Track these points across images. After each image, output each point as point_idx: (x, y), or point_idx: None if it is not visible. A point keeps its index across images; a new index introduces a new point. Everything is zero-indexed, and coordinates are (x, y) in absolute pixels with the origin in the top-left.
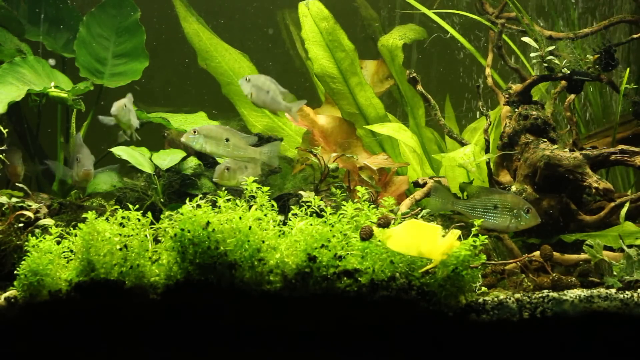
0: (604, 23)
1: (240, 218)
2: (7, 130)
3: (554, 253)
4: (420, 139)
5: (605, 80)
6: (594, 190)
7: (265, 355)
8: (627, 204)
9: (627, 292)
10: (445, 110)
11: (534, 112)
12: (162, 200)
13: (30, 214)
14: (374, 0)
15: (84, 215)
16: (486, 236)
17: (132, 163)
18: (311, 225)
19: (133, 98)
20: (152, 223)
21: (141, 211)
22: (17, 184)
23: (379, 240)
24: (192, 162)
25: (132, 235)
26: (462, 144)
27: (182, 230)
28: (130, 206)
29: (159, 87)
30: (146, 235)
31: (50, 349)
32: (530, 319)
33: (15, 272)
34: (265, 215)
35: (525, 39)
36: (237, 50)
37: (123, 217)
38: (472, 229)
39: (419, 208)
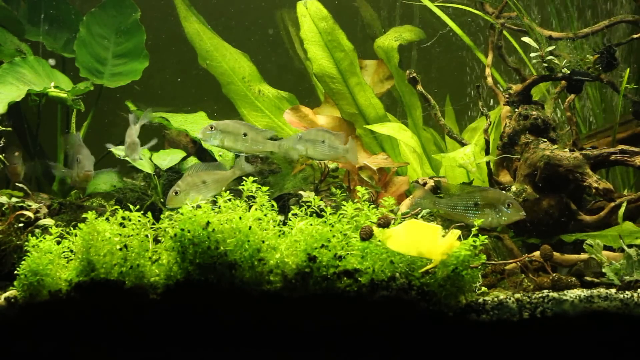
0: (604, 23)
1: (240, 218)
2: (9, 129)
3: (554, 253)
4: (420, 139)
5: (605, 80)
6: (594, 190)
7: (265, 355)
8: (624, 204)
9: (627, 292)
10: (445, 110)
11: (534, 112)
12: (162, 200)
13: (30, 214)
14: (374, 0)
15: (84, 215)
16: (486, 236)
17: (132, 163)
18: (311, 225)
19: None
20: (152, 223)
21: (141, 211)
22: (17, 184)
23: (379, 240)
24: (192, 162)
25: (132, 235)
26: (462, 144)
27: (182, 230)
28: (131, 206)
29: (159, 86)
30: (146, 235)
31: (50, 349)
32: (530, 319)
33: (15, 272)
34: (265, 215)
35: (525, 39)
36: (238, 50)
37: (123, 218)
38: (472, 229)
39: (419, 208)
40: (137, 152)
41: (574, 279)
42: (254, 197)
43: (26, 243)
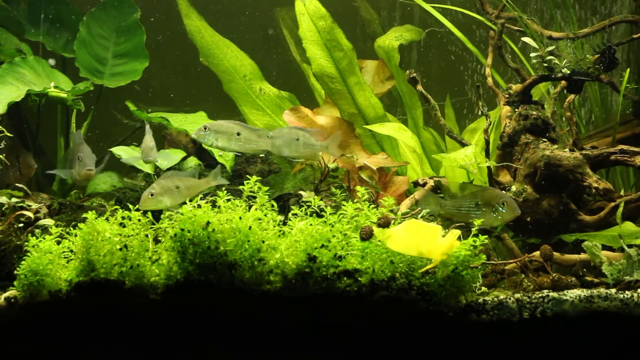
0: (604, 23)
1: (240, 218)
2: (10, 135)
3: (554, 253)
4: (420, 139)
5: (605, 80)
6: (594, 190)
7: (265, 355)
8: (622, 205)
9: (627, 292)
10: (445, 110)
11: (534, 112)
12: None
13: (30, 214)
14: (374, 0)
15: (84, 215)
16: (486, 236)
17: (132, 163)
18: (311, 225)
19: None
20: (152, 223)
21: (141, 211)
22: (17, 184)
23: (379, 240)
24: (192, 162)
25: (132, 235)
26: (462, 144)
27: (182, 230)
28: (130, 206)
29: (159, 86)
30: (146, 235)
31: (50, 349)
32: (530, 319)
33: (15, 272)
34: (265, 215)
35: (525, 39)
36: (239, 48)
37: (123, 217)
38: (472, 229)
39: (419, 208)
40: (152, 156)
41: (574, 279)
42: (254, 197)
43: (26, 243)
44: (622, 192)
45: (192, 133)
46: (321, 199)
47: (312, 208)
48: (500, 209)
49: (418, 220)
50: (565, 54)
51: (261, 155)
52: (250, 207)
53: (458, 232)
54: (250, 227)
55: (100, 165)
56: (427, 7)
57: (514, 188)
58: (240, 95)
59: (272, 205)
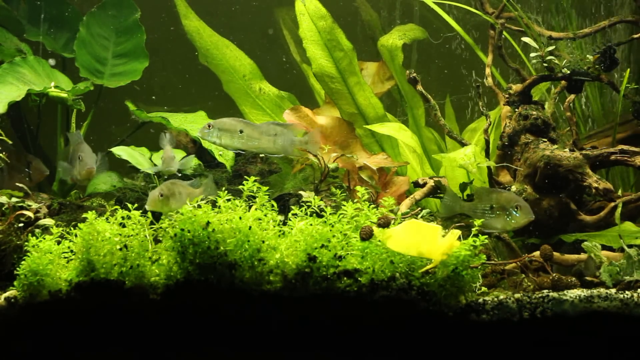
0: (604, 23)
1: (240, 218)
2: (10, 142)
3: (554, 253)
4: (420, 139)
5: (606, 80)
6: (594, 190)
7: (265, 355)
8: (621, 205)
9: (627, 292)
10: (445, 110)
11: (534, 112)
12: None
13: (30, 214)
14: (374, 0)
15: (84, 215)
16: (486, 236)
17: (132, 163)
18: (311, 225)
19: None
20: (152, 223)
21: (141, 211)
22: (17, 184)
23: (379, 240)
24: (192, 162)
25: (132, 235)
26: (462, 144)
27: (182, 230)
28: (130, 206)
29: (159, 86)
30: (146, 235)
31: (50, 349)
32: (530, 319)
33: (15, 272)
34: (265, 215)
35: (525, 39)
36: (238, 48)
37: (123, 217)
38: (472, 229)
39: (419, 208)
40: (174, 167)
41: (574, 279)
42: (254, 197)
43: (26, 243)
44: (619, 192)
45: (195, 132)
46: (321, 199)
47: (312, 208)
48: (515, 213)
49: (418, 220)
50: (565, 54)
51: (261, 155)
52: (250, 207)
53: (458, 232)
54: (250, 227)
55: (104, 165)
56: (431, 2)
57: (514, 188)
58: (240, 95)
59: (272, 205)
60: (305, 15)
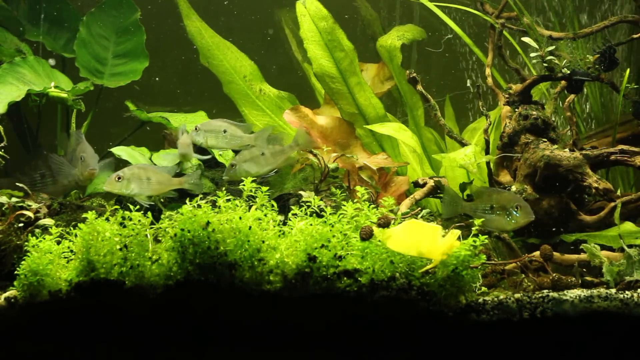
0: (604, 23)
1: (240, 218)
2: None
3: (554, 253)
4: (420, 139)
5: (606, 80)
6: (594, 190)
7: (265, 355)
8: (620, 205)
9: (627, 292)
10: (445, 111)
11: (534, 112)
12: (162, 200)
13: (30, 214)
14: (374, 0)
15: (84, 215)
16: (486, 236)
17: (132, 163)
18: (311, 225)
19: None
20: (152, 223)
21: (141, 211)
22: (17, 184)
23: (379, 240)
24: (192, 161)
25: (132, 235)
26: (462, 144)
27: (182, 230)
28: (131, 206)
29: (159, 86)
30: (146, 235)
31: (50, 349)
32: (530, 319)
33: (15, 272)
34: (265, 215)
35: (525, 39)
36: (239, 49)
37: (123, 217)
38: (472, 229)
39: (419, 208)
40: (188, 151)
41: (574, 279)
42: (254, 197)
43: (26, 243)
44: (619, 192)
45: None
46: (321, 199)
47: (312, 208)
48: (515, 213)
49: (418, 220)
50: (565, 54)
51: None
52: (250, 207)
53: (458, 232)
54: (250, 227)
55: (110, 167)
56: (431, 5)
57: (514, 188)
58: (241, 96)
59: (272, 205)
60: (306, 16)
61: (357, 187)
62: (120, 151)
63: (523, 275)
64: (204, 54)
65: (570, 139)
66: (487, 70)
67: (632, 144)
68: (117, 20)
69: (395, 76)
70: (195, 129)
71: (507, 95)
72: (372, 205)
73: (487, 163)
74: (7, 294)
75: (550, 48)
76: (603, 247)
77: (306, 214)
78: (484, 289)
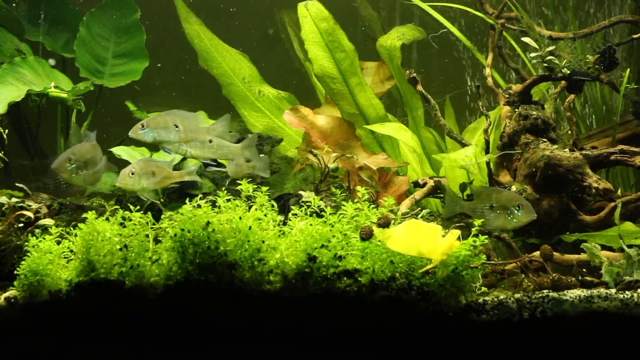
0: (604, 23)
1: (240, 218)
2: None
3: (554, 253)
4: (420, 139)
5: (605, 80)
6: (594, 190)
7: (265, 355)
8: (620, 205)
9: (627, 292)
10: (445, 111)
11: (534, 112)
12: (162, 200)
13: (30, 214)
14: (374, 0)
15: (84, 215)
16: (486, 236)
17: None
18: (311, 225)
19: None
20: (152, 223)
21: (141, 211)
22: (17, 184)
23: (379, 240)
24: (192, 162)
25: (132, 235)
26: (462, 144)
27: (182, 230)
28: (131, 207)
29: (159, 87)
30: (146, 235)
31: (50, 349)
32: (530, 319)
33: (15, 272)
34: (265, 215)
35: (525, 39)
36: (238, 51)
37: (123, 218)
38: (472, 229)
39: (419, 208)
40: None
41: (574, 279)
42: (253, 197)
43: (26, 243)
44: (619, 192)
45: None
46: (321, 199)
47: (312, 208)
48: (516, 212)
49: (418, 220)
50: (565, 54)
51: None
52: (250, 207)
53: (458, 232)
54: (250, 227)
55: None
56: (427, 8)
57: (513, 188)
58: (240, 98)
59: (272, 205)
60: (307, 17)
61: (357, 187)
62: (120, 151)
63: (523, 275)
64: (203, 56)
65: (570, 139)
66: (487, 71)
67: (632, 144)
68: (117, 20)
69: (395, 76)
70: (142, 125)
71: (507, 95)
72: (372, 205)
73: (487, 163)
74: (7, 294)
75: (550, 48)
76: (603, 247)
77: (306, 214)
78: (484, 289)
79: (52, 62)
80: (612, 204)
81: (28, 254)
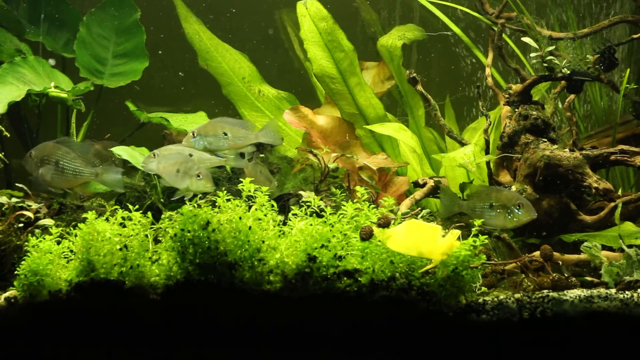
0: (604, 23)
1: (240, 218)
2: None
3: (554, 253)
4: (420, 139)
5: (605, 80)
6: (594, 191)
7: (265, 355)
8: (620, 205)
9: (627, 292)
10: (445, 111)
11: (534, 112)
12: (162, 200)
13: (30, 214)
14: (374, 0)
15: (84, 215)
16: (486, 236)
17: (132, 163)
18: (311, 225)
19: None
20: (152, 223)
21: (141, 211)
22: (16, 184)
23: (379, 240)
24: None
25: (132, 235)
26: (462, 144)
27: (182, 230)
28: (131, 206)
29: (159, 87)
30: (146, 235)
31: (50, 349)
32: (530, 319)
33: (15, 272)
34: (265, 215)
35: (525, 39)
36: (237, 51)
37: (123, 218)
38: (472, 229)
39: (419, 208)
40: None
41: (574, 279)
42: (253, 197)
43: (26, 243)
44: (619, 192)
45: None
46: (321, 199)
47: (312, 208)
48: (517, 210)
49: (418, 220)
50: (565, 54)
51: (261, 155)
52: (250, 207)
53: (458, 232)
54: (250, 227)
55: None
56: (428, 4)
57: (513, 188)
58: (240, 98)
59: (272, 205)
60: (306, 17)
61: (357, 187)
62: (120, 151)
63: (523, 275)
64: (203, 56)
65: (570, 139)
66: (487, 71)
67: (632, 144)
68: (117, 20)
69: (395, 76)
70: (193, 134)
71: (507, 95)
72: (372, 206)
73: (487, 163)
74: (7, 294)
75: (550, 48)
76: (603, 247)
77: (306, 214)
78: (484, 289)
79: (52, 62)
80: (612, 204)
81: (28, 254)
